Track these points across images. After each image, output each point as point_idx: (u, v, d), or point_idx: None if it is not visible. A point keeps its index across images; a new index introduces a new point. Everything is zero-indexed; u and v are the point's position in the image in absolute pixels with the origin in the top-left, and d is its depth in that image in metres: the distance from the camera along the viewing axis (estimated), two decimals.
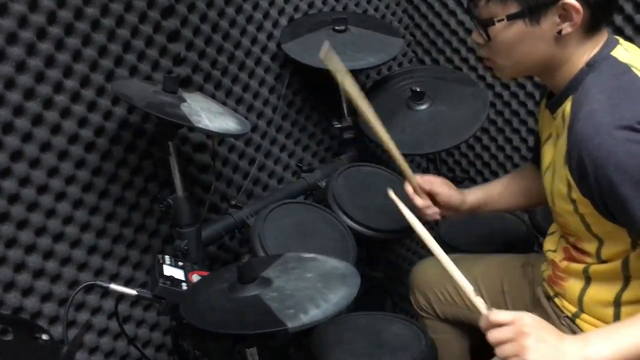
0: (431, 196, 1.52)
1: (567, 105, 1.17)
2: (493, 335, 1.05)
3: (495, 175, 2.46)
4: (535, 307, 1.45)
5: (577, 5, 1.10)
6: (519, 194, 1.58)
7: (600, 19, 1.15)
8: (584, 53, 1.17)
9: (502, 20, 1.15)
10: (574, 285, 1.30)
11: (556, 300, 1.36)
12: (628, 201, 1.04)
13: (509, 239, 1.72)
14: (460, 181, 2.13)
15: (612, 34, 1.22)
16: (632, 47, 1.23)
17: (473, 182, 2.46)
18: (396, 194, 1.29)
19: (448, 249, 1.37)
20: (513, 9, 1.14)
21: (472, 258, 1.65)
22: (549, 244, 1.40)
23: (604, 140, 1.04)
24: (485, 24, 1.18)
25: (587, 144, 1.06)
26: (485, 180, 2.46)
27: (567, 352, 1.02)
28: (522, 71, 1.27)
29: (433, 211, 1.52)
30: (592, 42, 1.17)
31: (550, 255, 1.37)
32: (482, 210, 1.59)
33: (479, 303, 1.09)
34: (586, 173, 1.08)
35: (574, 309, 1.31)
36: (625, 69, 1.13)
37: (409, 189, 1.51)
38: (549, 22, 1.13)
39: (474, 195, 1.56)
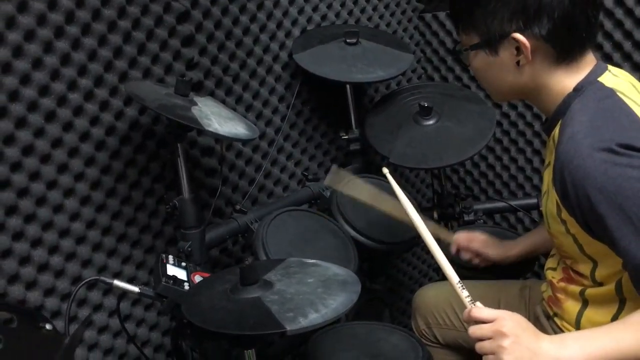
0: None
1: (557, 129, 1.19)
2: (473, 330, 1.11)
3: (498, 194, 2.47)
4: (534, 325, 1.45)
5: (524, 40, 1.14)
6: None
7: (565, 49, 1.17)
8: (563, 80, 1.19)
9: (468, 49, 1.24)
10: (571, 307, 1.31)
11: (556, 319, 1.37)
12: (607, 220, 1.06)
13: None
14: (464, 198, 2.14)
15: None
16: (621, 72, 1.25)
17: (476, 200, 2.47)
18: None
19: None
20: (474, 40, 1.22)
21: (471, 283, 1.66)
22: (550, 262, 1.41)
23: (583, 161, 1.07)
24: (459, 52, 1.28)
25: (568, 165, 1.09)
26: (489, 198, 2.48)
27: (541, 355, 1.07)
28: (503, 96, 1.32)
29: (480, 260, 1.70)
30: (572, 69, 1.19)
31: (549, 274, 1.38)
32: (532, 256, 1.69)
33: (463, 296, 1.14)
34: (567, 192, 1.11)
35: (572, 329, 1.31)
36: (610, 93, 1.15)
37: (453, 249, 1.71)
38: (507, 53, 1.19)
39: (519, 248, 1.66)
